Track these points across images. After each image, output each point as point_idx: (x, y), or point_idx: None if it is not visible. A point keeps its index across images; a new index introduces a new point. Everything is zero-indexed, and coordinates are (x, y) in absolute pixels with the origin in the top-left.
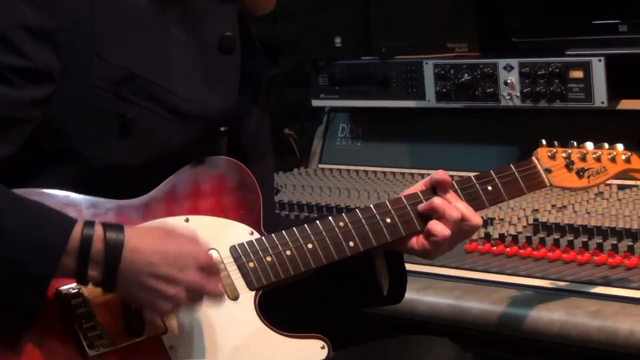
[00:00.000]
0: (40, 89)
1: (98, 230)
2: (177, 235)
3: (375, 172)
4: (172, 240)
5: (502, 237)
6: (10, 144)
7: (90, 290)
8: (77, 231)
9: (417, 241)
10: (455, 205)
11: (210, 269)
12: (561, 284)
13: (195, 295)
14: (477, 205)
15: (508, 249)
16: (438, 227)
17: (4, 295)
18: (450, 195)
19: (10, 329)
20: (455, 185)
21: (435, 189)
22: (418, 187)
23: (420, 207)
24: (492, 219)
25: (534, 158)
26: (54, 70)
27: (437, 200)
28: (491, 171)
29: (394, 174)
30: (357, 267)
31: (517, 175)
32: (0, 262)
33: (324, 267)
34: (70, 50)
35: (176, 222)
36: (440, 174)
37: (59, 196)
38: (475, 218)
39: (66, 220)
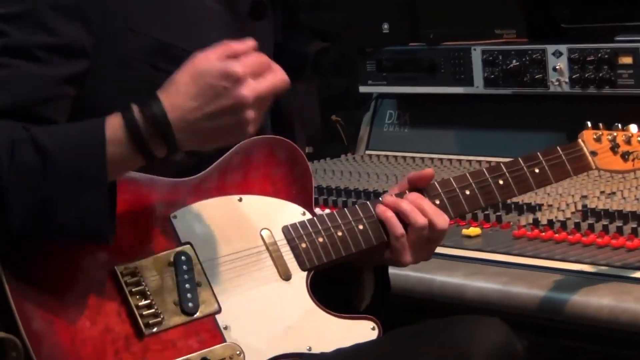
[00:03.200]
0: (73, 64)
1: (135, 110)
2: (199, 69)
3: (422, 158)
4: (197, 77)
5: (550, 223)
6: (52, 121)
7: (145, 269)
8: (116, 119)
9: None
10: (423, 209)
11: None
12: (610, 269)
13: (253, 88)
14: (524, 188)
15: (557, 234)
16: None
17: (72, 208)
18: (420, 198)
19: (95, 241)
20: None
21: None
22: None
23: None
24: (540, 205)
25: (579, 141)
26: (86, 45)
27: (404, 204)
28: (538, 153)
29: (441, 160)
30: (346, 278)
31: (563, 157)
32: (54, 178)
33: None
34: (102, 24)
35: (230, 201)
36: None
37: None
38: (441, 221)
39: (95, 119)
